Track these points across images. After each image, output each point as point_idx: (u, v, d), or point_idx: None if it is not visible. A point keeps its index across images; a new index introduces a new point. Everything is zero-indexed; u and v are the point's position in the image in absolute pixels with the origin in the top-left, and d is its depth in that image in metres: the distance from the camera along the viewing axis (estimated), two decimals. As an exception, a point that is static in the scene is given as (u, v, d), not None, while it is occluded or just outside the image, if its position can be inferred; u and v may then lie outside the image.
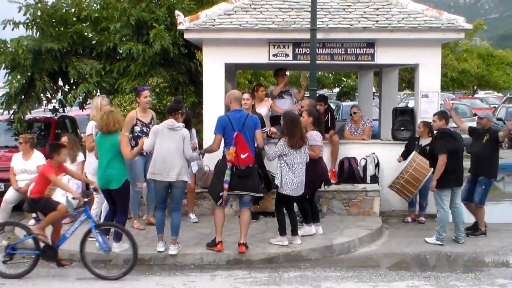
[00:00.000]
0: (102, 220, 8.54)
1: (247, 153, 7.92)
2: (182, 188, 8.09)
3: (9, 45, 11.59)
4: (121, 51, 11.75)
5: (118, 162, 7.96)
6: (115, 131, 7.95)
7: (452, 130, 9.08)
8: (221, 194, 7.92)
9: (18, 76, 11.69)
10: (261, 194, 8.24)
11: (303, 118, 8.81)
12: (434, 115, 9.24)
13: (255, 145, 8.19)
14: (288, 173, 8.23)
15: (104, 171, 7.97)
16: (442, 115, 9.12)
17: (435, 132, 9.29)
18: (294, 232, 8.59)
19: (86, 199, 7.80)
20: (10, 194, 9.86)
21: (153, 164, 7.97)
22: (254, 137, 8.16)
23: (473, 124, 10.84)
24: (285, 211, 8.55)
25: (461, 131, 9.83)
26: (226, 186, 7.87)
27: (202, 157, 9.32)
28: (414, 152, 9.77)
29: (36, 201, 7.60)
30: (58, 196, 9.63)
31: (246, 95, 9.61)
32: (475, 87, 37.61)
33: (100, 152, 8.06)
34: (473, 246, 8.93)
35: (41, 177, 7.69)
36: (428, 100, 10.68)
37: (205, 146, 9.43)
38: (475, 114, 13.78)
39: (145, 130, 8.88)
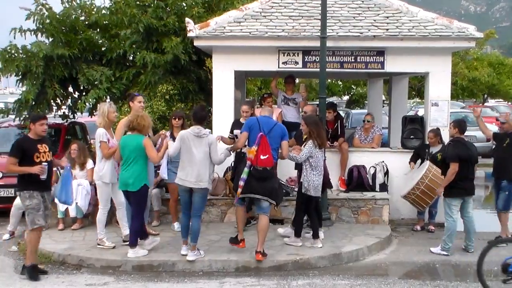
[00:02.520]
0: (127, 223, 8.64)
1: (267, 155, 7.98)
2: (203, 194, 8.10)
3: (21, 52, 11.66)
4: (135, 59, 11.79)
5: (139, 165, 8.07)
6: (141, 134, 8.11)
7: (465, 139, 9.01)
8: (237, 193, 8.08)
9: (31, 84, 11.74)
10: (274, 202, 8.25)
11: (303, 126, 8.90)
12: (451, 123, 9.27)
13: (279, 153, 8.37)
14: (312, 174, 8.46)
15: (124, 173, 8.11)
16: (456, 123, 9.06)
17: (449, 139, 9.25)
18: (316, 236, 8.70)
19: None
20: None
21: (181, 170, 8.03)
22: (279, 146, 8.28)
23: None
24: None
25: (474, 141, 9.79)
26: (241, 183, 7.97)
27: (231, 153, 9.09)
28: (427, 162, 9.70)
29: None
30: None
31: (244, 107, 9.59)
32: (485, 96, 37.43)
33: (123, 154, 8.16)
34: (483, 256, 8.85)
35: None
36: (438, 109, 10.66)
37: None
38: (497, 119, 13.72)
39: None
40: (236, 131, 9.33)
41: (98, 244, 8.62)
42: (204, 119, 8.24)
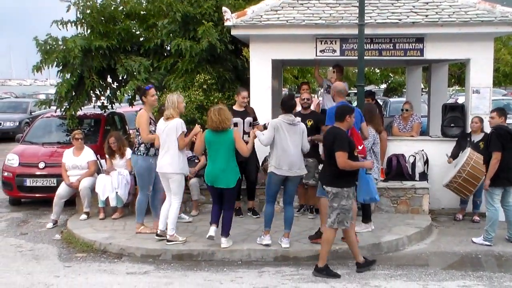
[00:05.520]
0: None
1: (362, 145, 8.05)
2: (297, 182, 8.20)
3: (60, 43, 11.81)
4: (169, 47, 11.82)
5: (232, 159, 8.00)
6: (226, 129, 7.95)
7: (508, 127, 8.79)
8: None
9: (68, 75, 11.90)
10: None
11: None
12: (493, 111, 8.99)
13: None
14: (374, 159, 8.67)
15: (217, 168, 7.96)
16: (501, 111, 8.86)
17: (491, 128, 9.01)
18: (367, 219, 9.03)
19: None
20: (62, 189, 10.07)
21: (277, 159, 7.95)
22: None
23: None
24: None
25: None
26: None
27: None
28: (468, 149, 9.50)
29: None
30: (107, 191, 9.83)
31: (244, 93, 9.57)
32: (529, 82, 36.50)
33: (210, 149, 8.04)
34: (528, 246, 8.68)
35: None
36: (480, 96, 10.43)
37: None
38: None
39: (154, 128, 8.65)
40: (235, 119, 9.06)
41: (168, 241, 8.31)
42: (294, 107, 8.20)
